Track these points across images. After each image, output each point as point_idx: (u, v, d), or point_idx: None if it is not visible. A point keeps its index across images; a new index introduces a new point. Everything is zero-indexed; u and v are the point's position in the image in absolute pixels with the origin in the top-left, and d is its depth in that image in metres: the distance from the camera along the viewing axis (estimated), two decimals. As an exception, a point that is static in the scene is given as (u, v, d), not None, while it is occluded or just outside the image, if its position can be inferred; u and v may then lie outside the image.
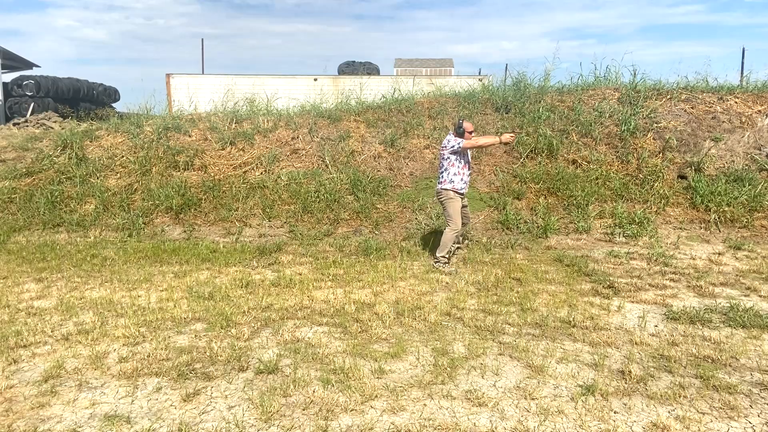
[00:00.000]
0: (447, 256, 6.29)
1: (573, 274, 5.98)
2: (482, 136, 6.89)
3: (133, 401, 3.23)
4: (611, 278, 5.74)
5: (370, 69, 21.85)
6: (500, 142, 6.30)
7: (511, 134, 6.32)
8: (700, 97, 10.21)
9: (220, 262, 6.55)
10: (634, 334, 4.22)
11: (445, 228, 6.40)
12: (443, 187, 6.28)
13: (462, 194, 6.33)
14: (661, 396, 3.24)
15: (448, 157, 6.24)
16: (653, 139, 9.46)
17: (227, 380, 3.48)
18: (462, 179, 6.28)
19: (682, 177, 8.85)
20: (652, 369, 3.62)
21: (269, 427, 2.94)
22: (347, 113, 10.73)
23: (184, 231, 8.14)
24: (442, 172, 6.32)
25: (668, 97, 10.21)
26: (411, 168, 9.46)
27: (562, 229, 7.85)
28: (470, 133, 6.26)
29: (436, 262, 6.25)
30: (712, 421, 2.98)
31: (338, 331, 4.31)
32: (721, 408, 3.12)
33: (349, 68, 21.83)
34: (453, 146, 6.19)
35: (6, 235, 7.89)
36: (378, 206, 8.59)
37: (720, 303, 4.94)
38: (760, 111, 9.81)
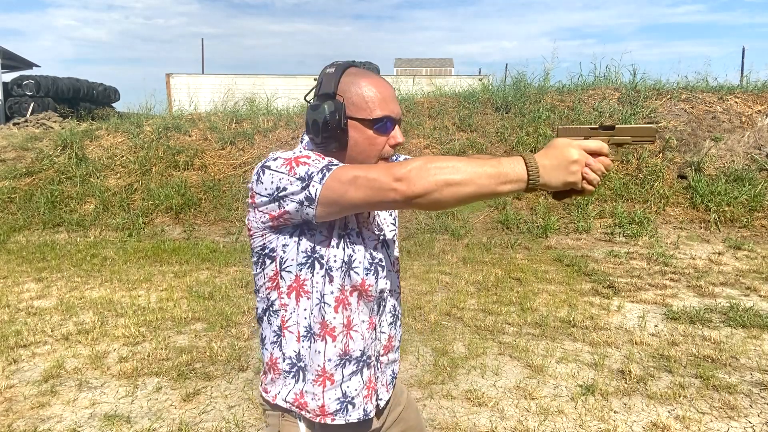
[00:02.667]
0: None
1: (573, 273, 5.98)
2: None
3: (133, 401, 3.23)
4: (611, 278, 5.74)
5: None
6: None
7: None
8: (700, 96, 10.21)
9: (220, 261, 6.55)
10: (634, 333, 4.22)
11: None
12: (265, 389, 1.36)
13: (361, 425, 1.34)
14: (661, 396, 3.24)
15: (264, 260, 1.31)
16: (653, 138, 9.46)
17: (227, 380, 3.48)
18: (361, 354, 1.32)
19: (682, 177, 8.85)
20: (652, 369, 3.62)
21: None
22: (347, 113, 10.71)
23: (184, 231, 8.14)
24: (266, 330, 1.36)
25: (668, 96, 10.20)
26: (411, 168, 9.45)
27: (562, 229, 7.85)
28: (382, 123, 1.28)
29: None
30: (712, 421, 2.98)
31: (338, 330, 4.31)
32: (721, 408, 3.12)
33: (349, 68, 21.80)
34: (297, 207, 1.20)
35: (6, 235, 7.89)
36: (378, 206, 8.57)
37: (720, 303, 4.94)
38: (760, 111, 9.81)
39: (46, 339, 4.17)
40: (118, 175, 9.45)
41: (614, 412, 3.07)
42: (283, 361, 1.30)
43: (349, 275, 1.28)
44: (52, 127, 13.62)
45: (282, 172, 1.18)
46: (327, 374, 1.29)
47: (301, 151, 1.26)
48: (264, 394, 1.35)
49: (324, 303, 1.27)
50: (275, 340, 1.31)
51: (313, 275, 1.26)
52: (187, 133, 10.32)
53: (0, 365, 3.71)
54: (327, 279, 1.26)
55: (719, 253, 6.83)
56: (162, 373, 3.56)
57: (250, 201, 1.27)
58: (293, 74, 17.15)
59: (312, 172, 1.16)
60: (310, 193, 1.16)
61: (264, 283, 1.30)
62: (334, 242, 1.27)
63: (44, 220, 8.39)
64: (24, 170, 9.57)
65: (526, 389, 3.33)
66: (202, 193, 8.92)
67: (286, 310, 1.29)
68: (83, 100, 20.28)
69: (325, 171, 1.16)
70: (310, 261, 1.26)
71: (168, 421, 3.01)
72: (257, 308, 1.37)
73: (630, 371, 3.51)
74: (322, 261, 1.26)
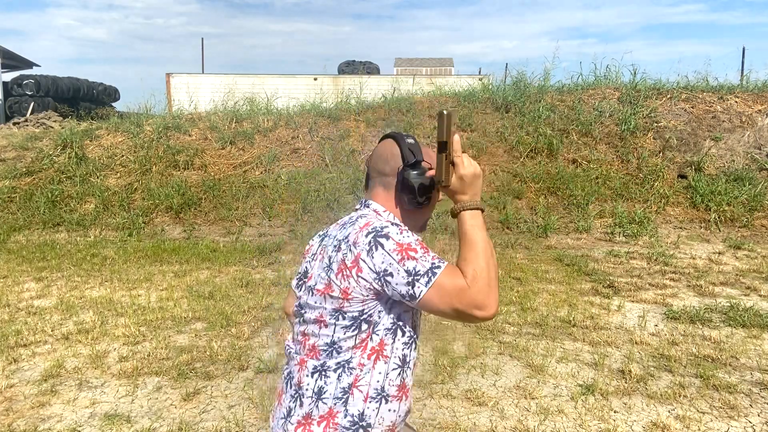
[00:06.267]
0: None
1: (573, 273, 5.98)
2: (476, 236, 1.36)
3: (133, 400, 3.23)
4: (611, 278, 5.74)
5: (370, 68, 21.83)
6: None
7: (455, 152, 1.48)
8: (700, 96, 10.21)
9: (220, 261, 6.54)
10: (634, 333, 4.22)
11: None
12: None
13: None
14: (661, 395, 3.24)
15: (357, 322, 1.32)
16: (653, 138, 9.46)
17: (227, 379, 3.48)
18: (405, 399, 1.38)
19: (682, 176, 8.85)
20: (652, 368, 3.62)
21: (269, 426, 2.94)
22: (347, 113, 10.72)
23: (184, 230, 8.14)
24: (321, 380, 1.34)
25: (668, 96, 10.20)
26: (411, 167, 9.46)
27: (562, 229, 7.85)
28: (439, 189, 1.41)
29: None
30: (712, 421, 2.98)
31: (338, 330, 4.31)
32: (721, 407, 3.12)
33: (349, 68, 21.81)
34: (415, 279, 1.24)
35: (6, 235, 7.88)
36: (378, 206, 8.59)
37: (720, 302, 4.94)
38: (760, 110, 9.81)
39: (46, 338, 4.17)
40: (118, 174, 9.45)
41: (614, 412, 3.07)
42: (344, 418, 1.31)
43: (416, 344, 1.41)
44: (52, 127, 13.62)
45: (393, 258, 1.24)
46: (395, 428, 1.37)
47: (405, 236, 1.29)
48: None
49: (407, 367, 1.36)
50: (341, 396, 1.32)
51: (394, 341, 1.33)
52: (187, 132, 10.32)
53: (0, 364, 3.71)
54: (413, 346, 1.37)
55: (719, 253, 6.83)
56: (162, 373, 3.56)
57: (355, 269, 1.27)
58: (293, 74, 17.11)
59: (419, 271, 1.23)
60: (414, 292, 1.23)
61: (353, 344, 1.32)
62: (415, 315, 1.38)
63: (44, 219, 8.39)
64: (24, 170, 9.57)
65: (526, 389, 3.33)
66: (202, 192, 8.92)
67: (361, 370, 1.31)
68: (83, 99, 20.27)
69: (430, 275, 1.23)
70: (393, 327, 1.33)
71: (168, 420, 3.01)
72: (320, 360, 1.35)
73: (630, 371, 3.51)
74: (405, 329, 1.35)
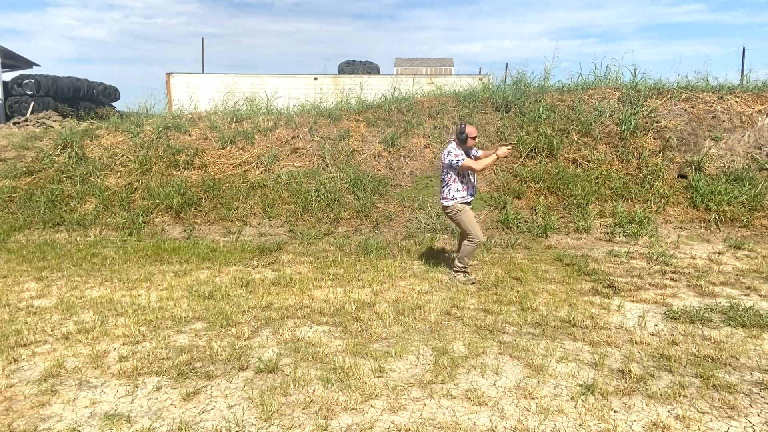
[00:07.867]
0: (465, 266, 5.73)
1: (573, 273, 5.98)
2: (483, 159, 5.75)
3: (133, 400, 3.23)
4: (611, 277, 5.74)
5: (370, 68, 21.83)
6: (498, 159, 5.68)
7: (508, 146, 5.77)
8: (701, 96, 10.21)
9: (220, 261, 6.55)
10: (634, 333, 4.22)
11: (466, 240, 5.70)
12: (447, 203, 5.73)
13: (470, 203, 5.78)
14: (661, 395, 3.24)
15: (448, 172, 5.65)
16: (653, 138, 9.47)
17: (227, 379, 3.48)
18: (468, 190, 5.70)
19: (683, 176, 8.85)
20: (652, 368, 3.62)
21: (269, 426, 2.94)
22: (347, 112, 10.73)
23: (184, 230, 8.14)
24: (444, 187, 5.75)
25: (668, 96, 10.20)
26: (411, 167, 9.46)
27: (562, 229, 7.85)
28: (473, 138, 5.63)
29: (456, 272, 5.73)
30: (712, 421, 2.98)
31: (338, 330, 4.32)
32: (721, 407, 3.12)
33: (350, 67, 21.82)
34: (452, 162, 5.56)
35: (6, 234, 7.89)
36: (378, 205, 8.59)
37: (720, 302, 4.94)
38: (760, 110, 9.81)
39: (46, 338, 4.17)
40: (119, 174, 9.46)
41: (614, 412, 3.07)
42: (451, 195, 5.70)
43: (472, 174, 5.78)
44: (52, 127, 13.63)
45: (453, 155, 5.57)
46: (468, 192, 5.74)
47: (456, 147, 5.64)
48: (446, 203, 5.75)
49: (461, 185, 5.69)
50: (448, 192, 5.71)
51: (456, 178, 5.68)
52: (187, 132, 10.33)
53: (0, 364, 3.72)
54: (461, 180, 5.70)
55: (719, 253, 6.83)
56: (162, 373, 3.56)
57: (447, 156, 5.62)
58: (293, 74, 17.12)
59: (460, 159, 5.54)
60: (458, 164, 5.55)
61: (450, 178, 5.67)
62: (462, 174, 5.69)
63: (44, 219, 8.39)
64: (24, 169, 9.58)
65: (526, 389, 3.33)
66: (202, 192, 8.92)
67: (452, 184, 5.68)
68: (83, 99, 20.28)
69: (461, 159, 5.55)
70: (455, 174, 5.66)
71: (168, 420, 3.01)
72: (443, 184, 5.77)
73: (630, 371, 3.51)
74: (457, 176, 5.67)
